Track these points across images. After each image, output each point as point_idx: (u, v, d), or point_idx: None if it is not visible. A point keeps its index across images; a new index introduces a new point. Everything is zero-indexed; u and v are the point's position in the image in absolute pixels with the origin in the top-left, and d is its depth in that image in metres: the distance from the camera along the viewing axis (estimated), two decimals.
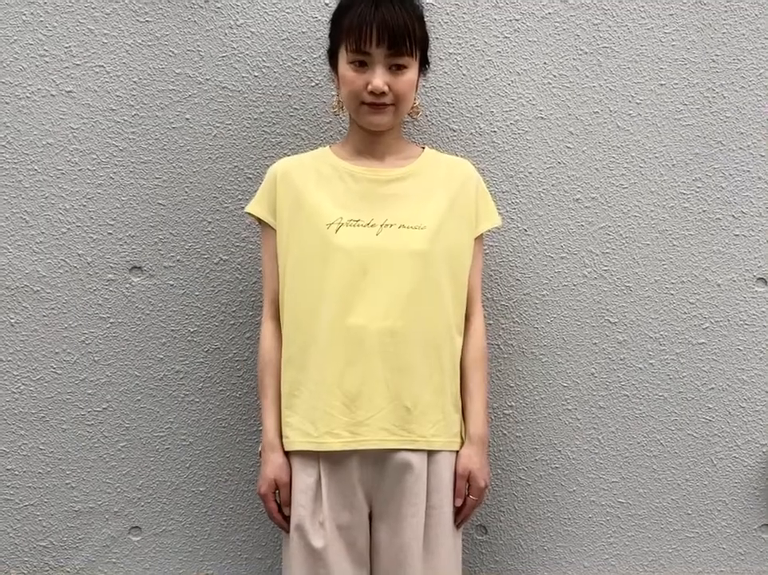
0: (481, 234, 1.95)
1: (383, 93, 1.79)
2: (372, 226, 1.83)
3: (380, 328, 1.78)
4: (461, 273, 1.89)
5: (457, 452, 1.86)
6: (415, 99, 1.89)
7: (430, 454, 1.81)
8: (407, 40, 1.77)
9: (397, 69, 1.79)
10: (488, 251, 2.14)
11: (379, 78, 1.78)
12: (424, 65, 1.89)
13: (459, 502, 1.84)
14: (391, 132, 1.90)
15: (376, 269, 1.80)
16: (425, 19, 1.86)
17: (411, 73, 1.82)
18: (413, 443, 1.79)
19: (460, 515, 1.85)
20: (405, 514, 1.78)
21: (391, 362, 1.79)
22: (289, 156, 1.98)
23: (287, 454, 1.83)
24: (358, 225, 1.82)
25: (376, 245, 1.81)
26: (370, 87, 1.78)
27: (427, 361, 1.81)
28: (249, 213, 1.93)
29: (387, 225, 1.83)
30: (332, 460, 1.78)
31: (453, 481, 1.84)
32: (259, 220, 1.91)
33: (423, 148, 1.97)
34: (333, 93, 2.06)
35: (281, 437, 1.84)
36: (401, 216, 1.84)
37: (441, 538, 1.80)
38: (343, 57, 1.81)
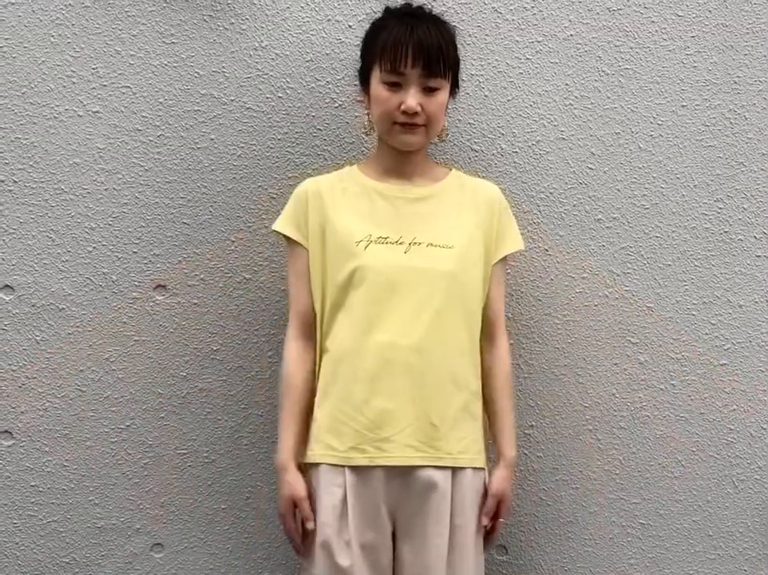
0: (505, 257, 1.96)
1: (416, 114, 1.80)
2: (400, 243, 1.84)
3: (407, 345, 1.80)
4: (481, 294, 1.91)
5: (485, 470, 1.88)
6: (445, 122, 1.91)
7: (455, 471, 1.82)
8: (441, 61, 1.80)
9: (430, 90, 1.81)
10: (509, 270, 2.15)
11: (413, 98, 1.80)
12: (454, 87, 1.91)
13: (486, 521, 1.86)
14: (419, 153, 1.91)
15: (404, 286, 1.82)
16: None
17: (443, 95, 1.84)
18: (439, 460, 1.80)
19: (491, 536, 1.89)
20: (430, 534, 1.78)
21: (418, 380, 1.80)
22: (312, 176, 2.01)
23: (311, 466, 1.84)
24: (386, 242, 1.84)
25: (404, 263, 1.83)
26: (403, 107, 1.80)
27: (453, 379, 1.83)
28: (278, 232, 1.93)
29: (416, 243, 1.84)
30: (357, 476, 1.79)
31: (481, 500, 1.86)
32: (287, 239, 1.92)
33: (450, 169, 1.99)
34: (356, 113, 2.08)
35: (295, 456, 1.86)
36: (430, 234, 1.85)
37: (465, 558, 1.81)
38: (376, 77, 1.83)
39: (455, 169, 2.00)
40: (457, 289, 1.84)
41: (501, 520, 1.88)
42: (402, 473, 1.79)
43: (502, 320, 1.97)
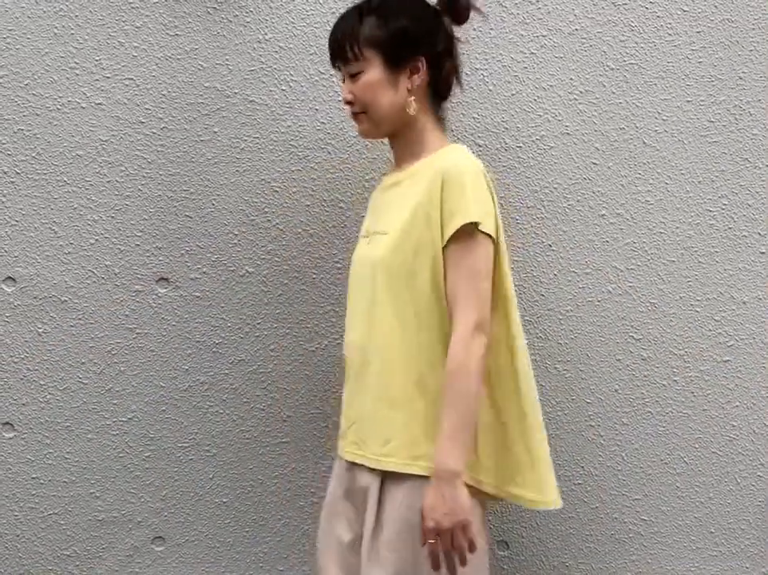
0: (466, 237, 1.66)
1: (351, 103, 1.79)
2: (366, 236, 1.83)
3: (352, 342, 1.79)
4: (425, 281, 1.69)
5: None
6: (411, 94, 1.76)
7: (388, 476, 1.68)
8: (347, 47, 1.76)
9: (352, 76, 1.79)
10: (512, 266, 2.13)
11: (343, 89, 1.81)
12: (398, 61, 1.76)
13: (423, 540, 1.62)
14: (401, 139, 1.82)
15: (357, 280, 1.81)
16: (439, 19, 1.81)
17: (367, 76, 1.76)
18: (369, 461, 1.71)
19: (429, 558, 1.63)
20: (363, 531, 1.71)
21: (358, 378, 1.77)
22: (316, 169, 2.02)
23: None
24: (363, 236, 1.85)
25: (361, 255, 1.81)
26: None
27: (382, 376, 1.71)
28: None
29: (374, 233, 1.80)
30: (335, 465, 1.84)
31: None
32: None
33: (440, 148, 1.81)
34: None
35: None
36: (383, 222, 1.79)
37: (378, 570, 1.66)
38: None
39: (449, 146, 1.80)
40: (388, 278, 1.71)
41: (430, 541, 1.60)
42: (351, 470, 1.77)
43: (458, 307, 1.66)
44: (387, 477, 1.68)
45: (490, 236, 1.68)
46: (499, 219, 1.73)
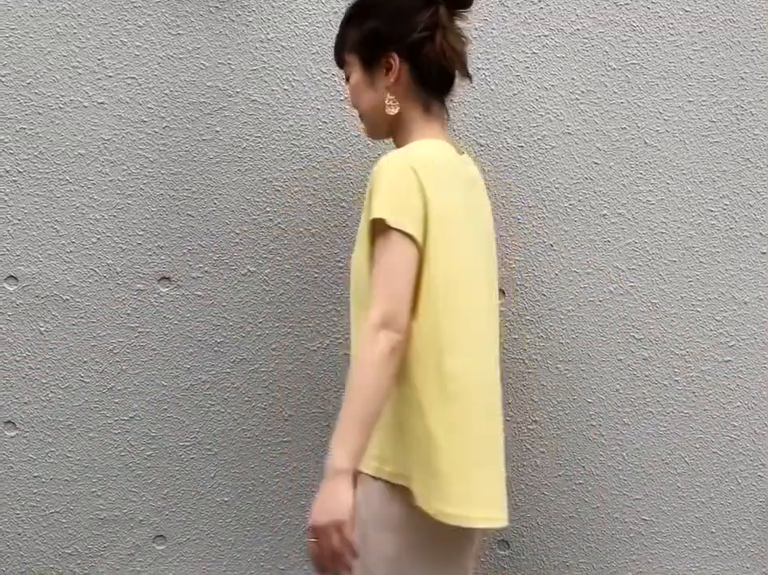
0: (376, 233, 1.61)
1: (354, 106, 1.83)
2: None
3: None
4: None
5: (368, 478, 1.62)
6: (389, 92, 1.73)
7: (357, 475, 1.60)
8: (339, 54, 1.83)
9: (347, 80, 1.83)
10: (514, 265, 2.15)
11: (347, 92, 1.85)
12: (371, 61, 1.75)
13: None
14: (395, 136, 1.80)
15: None
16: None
17: (352, 79, 1.80)
18: None
19: None
20: None
21: None
22: (318, 168, 2.01)
23: None
24: None
25: None
26: None
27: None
28: None
29: None
30: None
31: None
32: None
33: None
34: None
35: None
36: None
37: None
38: None
39: (414, 141, 1.73)
40: (353, 281, 1.73)
41: (310, 540, 1.53)
42: None
43: (372, 299, 1.60)
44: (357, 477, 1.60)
45: (410, 236, 1.59)
46: (435, 221, 1.62)
